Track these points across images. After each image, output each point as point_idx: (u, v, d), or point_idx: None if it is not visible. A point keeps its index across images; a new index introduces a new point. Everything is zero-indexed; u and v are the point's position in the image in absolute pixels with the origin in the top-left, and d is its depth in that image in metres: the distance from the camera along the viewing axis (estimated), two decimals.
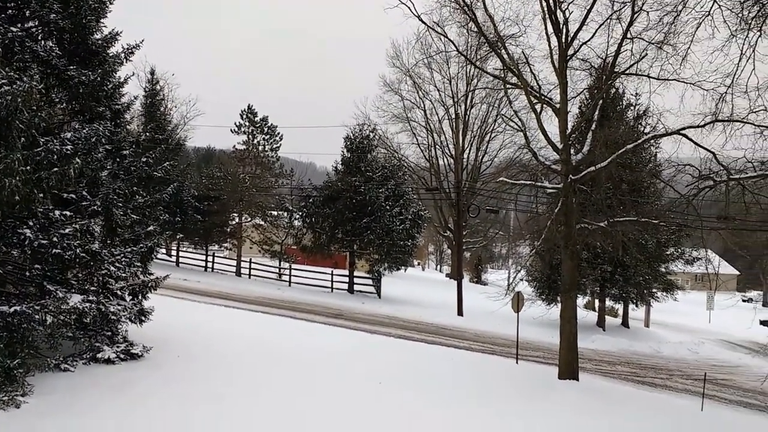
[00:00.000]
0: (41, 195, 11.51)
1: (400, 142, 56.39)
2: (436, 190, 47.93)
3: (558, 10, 17.66)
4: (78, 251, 12.23)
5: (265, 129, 41.03)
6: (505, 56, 18.74)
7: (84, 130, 12.79)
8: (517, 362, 20.48)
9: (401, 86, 53.42)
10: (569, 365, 18.09)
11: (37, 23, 13.01)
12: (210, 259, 41.05)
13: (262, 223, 40.34)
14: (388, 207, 35.08)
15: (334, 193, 35.72)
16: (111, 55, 14.45)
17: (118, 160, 14.31)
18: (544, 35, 18.11)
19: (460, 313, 33.21)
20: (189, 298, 25.97)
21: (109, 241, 13.57)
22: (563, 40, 17.84)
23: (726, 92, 14.31)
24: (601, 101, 19.47)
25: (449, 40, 21.26)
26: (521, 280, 32.98)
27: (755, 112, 13.76)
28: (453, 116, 52.83)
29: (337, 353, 17.50)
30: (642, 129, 23.32)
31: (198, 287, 31.06)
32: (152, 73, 40.55)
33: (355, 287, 37.18)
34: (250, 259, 39.89)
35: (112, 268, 13.25)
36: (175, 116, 48.52)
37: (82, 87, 13.39)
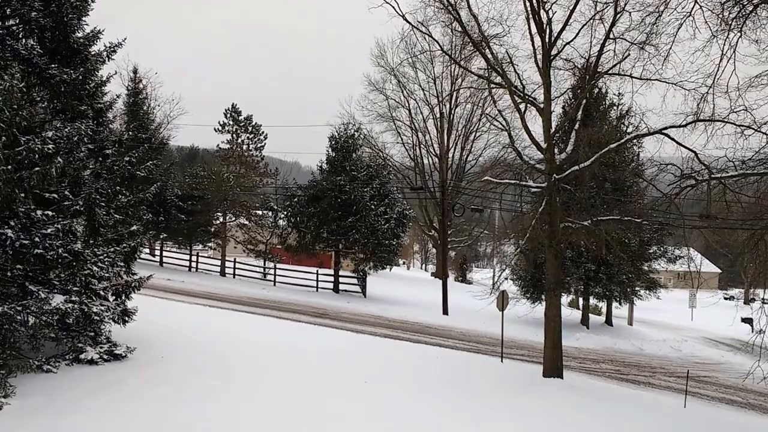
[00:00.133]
0: (22, 194, 11.42)
1: (385, 142, 56.48)
2: (421, 189, 47.97)
3: (541, 11, 17.74)
4: (60, 251, 12.13)
5: (250, 128, 40.94)
6: (489, 56, 18.81)
7: (66, 129, 12.71)
8: (502, 361, 20.57)
9: (386, 85, 53.50)
10: (554, 363, 18.19)
11: (18, 21, 12.90)
12: (194, 258, 40.84)
13: (247, 222, 40.24)
14: (373, 206, 35.08)
15: (319, 192, 35.66)
16: (93, 53, 14.36)
17: (100, 159, 14.20)
18: (527, 35, 18.23)
19: (445, 312, 33.28)
20: (173, 298, 25.82)
21: (91, 241, 13.47)
22: (547, 40, 17.93)
23: (707, 92, 14.47)
24: (584, 101, 19.58)
25: (434, 39, 21.35)
26: (506, 278, 33.13)
27: (736, 111, 13.90)
28: (438, 115, 52.98)
29: (323, 353, 17.49)
30: (625, 128, 23.50)
31: (182, 287, 30.89)
32: (135, 71, 40.38)
33: (341, 287, 37.16)
34: (235, 259, 39.74)
35: (94, 268, 13.16)
36: (158, 115, 48.22)
37: (64, 85, 13.28)
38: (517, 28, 34.16)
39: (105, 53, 14.51)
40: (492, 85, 20.84)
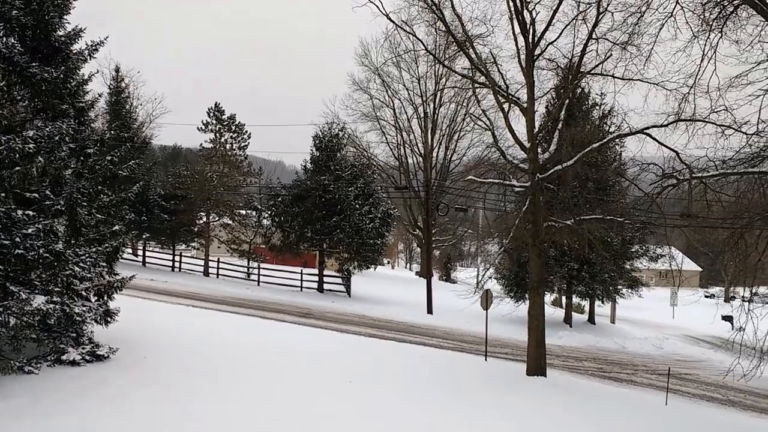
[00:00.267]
0: (3, 194, 11.30)
1: (370, 141, 56.46)
2: (406, 188, 48.05)
3: (525, 11, 17.84)
4: (41, 251, 12.01)
5: (233, 127, 40.78)
6: (473, 56, 18.89)
7: (47, 128, 12.58)
8: (486, 359, 20.66)
9: (370, 85, 53.47)
10: (537, 361, 18.30)
11: None
12: (177, 258, 40.60)
13: (230, 222, 40.06)
14: (357, 206, 35.07)
15: (303, 191, 35.58)
16: (74, 51, 14.20)
17: (82, 158, 14.06)
18: (511, 35, 18.32)
19: (429, 311, 33.35)
20: (156, 298, 25.66)
21: (73, 241, 13.34)
22: (530, 40, 18.04)
23: (688, 92, 14.61)
24: (567, 101, 19.71)
25: (418, 39, 21.38)
26: (490, 277, 33.16)
27: (716, 111, 14.05)
28: (422, 115, 53.04)
29: (309, 353, 17.46)
30: (607, 128, 23.74)
31: (165, 287, 30.70)
32: (117, 70, 40.03)
33: (325, 286, 37.10)
34: (218, 259, 39.55)
35: (76, 268, 13.05)
36: (140, 114, 47.88)
37: (45, 84, 13.13)
38: (500, 28, 34.39)
39: (87, 51, 14.36)
40: (476, 85, 20.92)
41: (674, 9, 14.11)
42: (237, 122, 40.96)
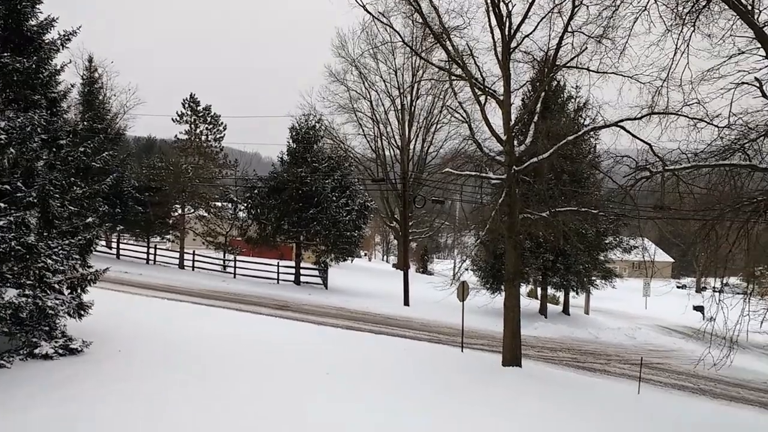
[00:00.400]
0: None
1: (347, 133, 56.34)
2: (383, 180, 48.07)
3: (501, 3, 17.91)
4: (13, 244, 11.85)
5: (208, 118, 40.37)
6: (450, 48, 18.91)
7: (18, 119, 12.39)
8: (462, 350, 20.79)
9: (347, 76, 53.30)
10: (513, 352, 18.47)
11: None
12: (152, 251, 40.22)
13: (206, 214, 39.73)
14: (334, 198, 35.01)
15: (279, 184, 35.41)
16: (47, 41, 14.00)
17: (54, 149, 13.86)
18: (487, 27, 18.37)
19: (406, 303, 33.46)
20: (131, 291, 25.41)
21: (45, 234, 13.18)
22: (506, 33, 18.10)
23: (662, 85, 14.78)
24: (543, 94, 19.86)
25: (395, 30, 21.31)
26: (466, 269, 33.43)
27: (689, 105, 14.23)
28: (399, 107, 53.05)
29: (284, 345, 17.44)
30: (582, 121, 23.92)
31: (140, 280, 30.42)
32: (90, 60, 39.39)
33: (302, 278, 37.03)
34: (194, 251, 39.25)
35: (49, 261, 12.90)
36: (114, 105, 47.25)
37: (17, 74, 12.93)
38: (477, 20, 34.39)
39: (59, 41, 14.15)
40: (453, 77, 20.95)
41: (648, 3, 14.26)
42: (212, 113, 40.56)
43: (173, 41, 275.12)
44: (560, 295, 39.80)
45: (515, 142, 18.61)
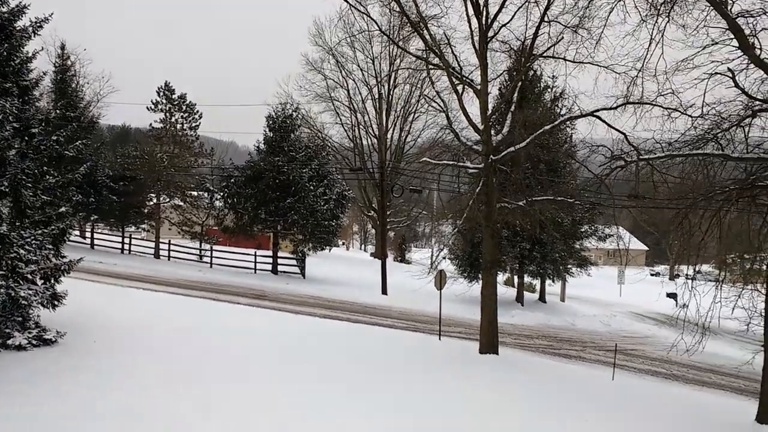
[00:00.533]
0: None
1: (324, 122, 55.90)
2: (360, 170, 47.91)
3: None
4: None
5: (184, 107, 40.00)
6: (428, 37, 18.87)
7: None
8: (440, 338, 20.91)
9: (324, 65, 52.79)
10: (490, 340, 18.61)
11: None
12: (127, 241, 39.80)
13: (182, 203, 39.40)
14: (312, 187, 34.89)
15: (256, 172, 35.19)
16: (18, 28, 13.74)
17: (26, 138, 13.63)
18: (465, 17, 18.36)
19: (384, 291, 33.55)
20: (105, 281, 25.13)
21: (18, 224, 12.99)
22: (483, 22, 18.11)
23: (637, 75, 14.92)
24: (520, 83, 19.92)
25: (372, 19, 21.24)
26: (444, 258, 33.56)
27: (663, 95, 14.38)
28: (376, 96, 52.77)
29: (261, 334, 17.41)
30: (558, 111, 24.08)
31: (114, 270, 30.10)
32: (62, 47, 38.69)
33: (280, 268, 36.91)
34: (169, 241, 38.91)
35: (21, 251, 12.72)
36: (87, 93, 46.43)
37: None
38: (454, 9, 34.37)
39: (31, 29, 13.89)
40: (430, 66, 20.94)
41: None
42: (188, 102, 40.19)
43: (147, 29, 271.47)
44: (537, 283, 40.16)
45: (492, 132, 18.67)
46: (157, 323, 16.92)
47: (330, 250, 47.33)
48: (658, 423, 13.33)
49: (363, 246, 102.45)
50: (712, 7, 12.98)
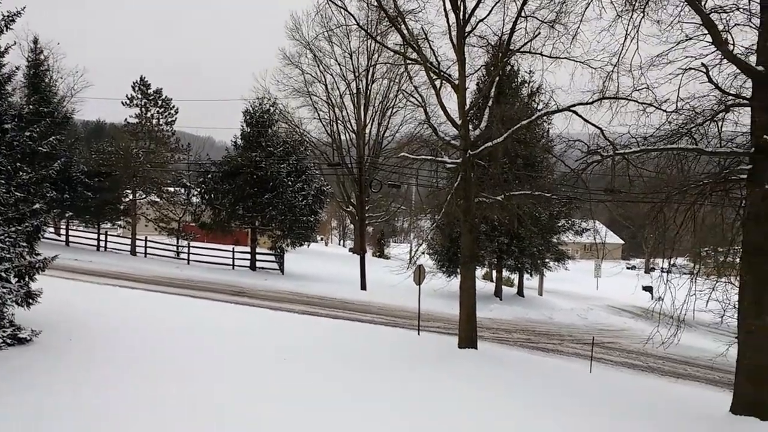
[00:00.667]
0: None
1: (302, 117, 55.77)
2: (339, 165, 47.83)
3: None
4: None
5: (159, 102, 39.50)
6: (405, 31, 18.84)
7: None
8: (419, 333, 20.96)
9: (301, 60, 52.61)
10: (469, 334, 18.68)
11: None
12: (102, 237, 39.35)
13: (158, 200, 39.01)
14: (290, 182, 34.75)
15: (234, 168, 34.96)
16: None
17: None
18: (442, 11, 18.35)
19: (363, 287, 33.55)
20: (81, 279, 24.84)
21: None
22: (461, 17, 18.13)
23: (612, 71, 15.02)
24: (497, 78, 19.98)
25: (349, 13, 21.17)
26: (423, 253, 33.73)
27: (638, 90, 14.52)
28: (354, 91, 52.68)
29: (239, 331, 17.32)
30: (536, 106, 24.21)
31: (90, 267, 29.75)
32: (35, 42, 38.02)
33: (258, 264, 36.75)
34: (146, 238, 38.53)
35: None
36: (61, 88, 45.78)
37: None
38: (432, 4, 34.14)
39: (2, 23, 13.63)
40: (408, 61, 20.92)
41: None
42: (164, 97, 39.69)
43: (122, 23, 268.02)
44: (515, 277, 40.44)
45: (470, 127, 18.72)
46: (134, 321, 16.75)
47: (308, 245, 47.19)
48: (634, 416, 13.48)
49: (342, 241, 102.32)
50: (686, 3, 13.13)
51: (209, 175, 35.94)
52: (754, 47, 13.06)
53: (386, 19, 19.52)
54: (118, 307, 18.73)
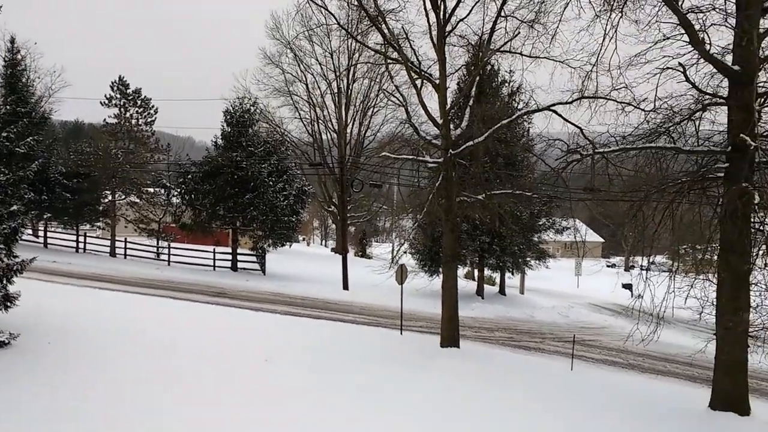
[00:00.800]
0: None
1: (283, 117, 55.45)
2: (320, 165, 47.70)
3: None
4: None
5: (139, 102, 39.11)
6: (386, 31, 18.85)
7: None
8: (401, 333, 20.97)
9: (282, 59, 52.38)
10: (451, 333, 18.74)
11: None
12: (81, 239, 38.93)
13: (138, 200, 38.64)
14: (271, 183, 34.60)
15: (214, 168, 34.75)
16: None
17: None
18: (423, 11, 18.40)
19: (345, 287, 33.50)
20: (60, 281, 24.54)
21: None
22: (441, 17, 18.18)
23: (591, 70, 15.11)
24: (477, 78, 20.07)
25: (330, 13, 21.16)
26: (405, 253, 33.69)
27: (617, 89, 14.65)
28: (335, 90, 52.53)
29: (220, 332, 17.22)
30: (516, 105, 24.34)
31: (69, 269, 29.41)
32: (12, 41, 37.40)
33: (239, 265, 36.55)
34: (126, 239, 38.18)
35: None
36: (38, 88, 45.23)
37: None
38: (412, 3, 34.18)
39: None
40: (389, 61, 20.93)
41: None
42: (143, 96, 39.31)
43: (101, 21, 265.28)
44: (496, 276, 40.57)
45: (451, 126, 18.77)
46: (113, 322, 16.58)
47: (290, 245, 47.01)
48: (615, 412, 13.61)
49: (324, 241, 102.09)
50: (663, 3, 13.28)
51: (189, 176, 35.68)
52: (731, 47, 13.24)
53: (367, 18, 19.51)
54: (97, 309, 18.53)
